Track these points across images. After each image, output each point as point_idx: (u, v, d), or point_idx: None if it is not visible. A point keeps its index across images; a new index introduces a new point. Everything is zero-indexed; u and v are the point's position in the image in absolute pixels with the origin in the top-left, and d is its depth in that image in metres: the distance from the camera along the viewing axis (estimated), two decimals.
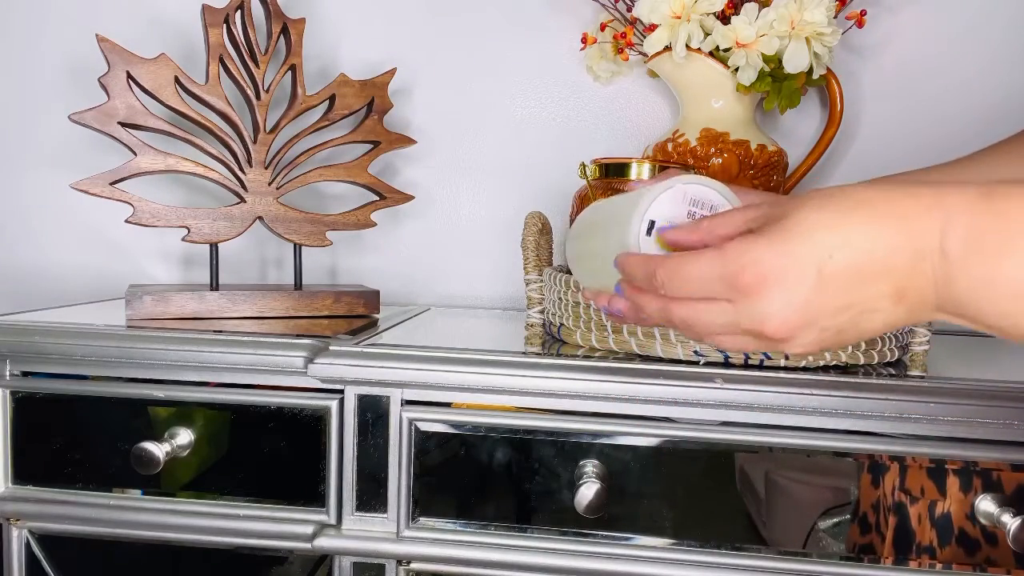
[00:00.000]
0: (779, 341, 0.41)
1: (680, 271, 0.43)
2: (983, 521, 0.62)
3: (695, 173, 0.76)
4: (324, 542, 0.68)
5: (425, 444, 0.68)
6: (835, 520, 0.64)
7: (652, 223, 0.47)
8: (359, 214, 0.92)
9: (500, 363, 0.66)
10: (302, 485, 0.70)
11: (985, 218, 0.35)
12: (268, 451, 0.71)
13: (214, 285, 0.87)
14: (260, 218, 0.88)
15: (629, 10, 0.88)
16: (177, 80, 0.85)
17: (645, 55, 0.87)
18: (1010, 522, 0.59)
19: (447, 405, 0.68)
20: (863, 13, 0.87)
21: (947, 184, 0.38)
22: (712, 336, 0.44)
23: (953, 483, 0.63)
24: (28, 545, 0.73)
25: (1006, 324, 0.36)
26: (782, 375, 0.63)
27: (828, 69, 0.86)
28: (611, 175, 0.75)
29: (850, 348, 0.66)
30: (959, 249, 0.36)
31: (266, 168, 0.89)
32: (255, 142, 0.88)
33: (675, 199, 0.48)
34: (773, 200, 0.43)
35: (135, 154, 0.84)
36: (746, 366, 0.65)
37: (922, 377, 0.65)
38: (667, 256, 0.44)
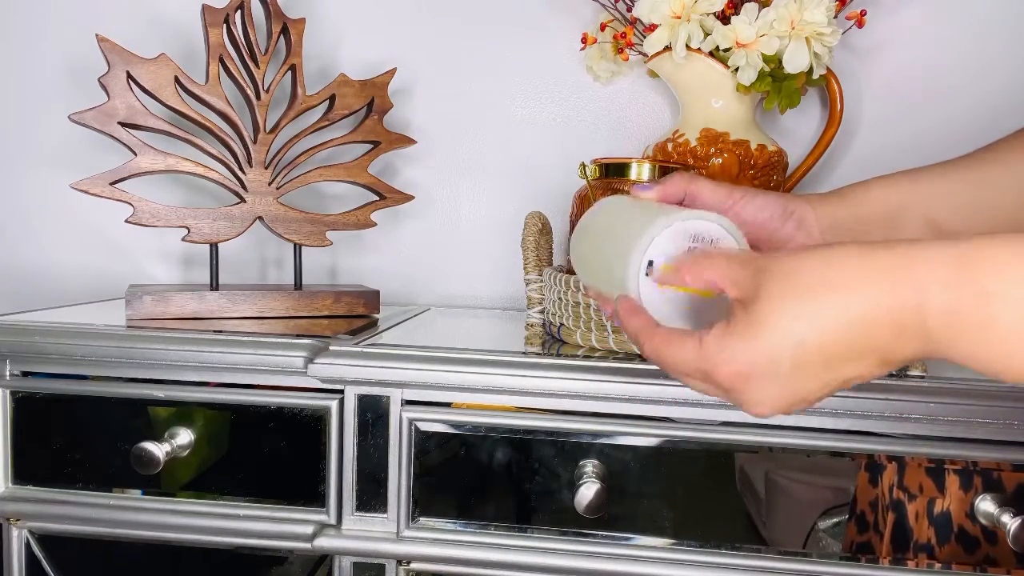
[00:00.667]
0: (763, 416, 0.43)
1: (663, 354, 0.45)
2: (983, 521, 0.62)
3: (696, 173, 0.76)
4: (324, 542, 0.68)
5: (425, 444, 0.68)
6: (835, 520, 0.64)
7: (651, 262, 0.48)
8: (359, 214, 0.92)
9: (500, 363, 0.66)
10: (302, 485, 0.70)
11: (964, 294, 0.35)
12: (268, 451, 0.71)
13: (214, 285, 0.87)
14: (260, 218, 0.88)
15: (629, 10, 0.88)
16: (177, 80, 0.85)
17: (645, 55, 0.87)
18: (1010, 522, 0.59)
19: (447, 405, 0.68)
20: (863, 13, 0.87)
21: (915, 251, 0.37)
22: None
23: (953, 483, 0.63)
24: (28, 545, 0.73)
25: (996, 376, 0.37)
26: None
27: (828, 69, 0.86)
28: (611, 175, 0.75)
29: None
30: (942, 329, 0.36)
31: (266, 168, 0.89)
32: (255, 142, 0.88)
33: (676, 236, 0.48)
34: (757, 261, 0.43)
35: (135, 154, 0.84)
36: None
37: (922, 377, 0.65)
38: (654, 333, 0.46)
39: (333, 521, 0.69)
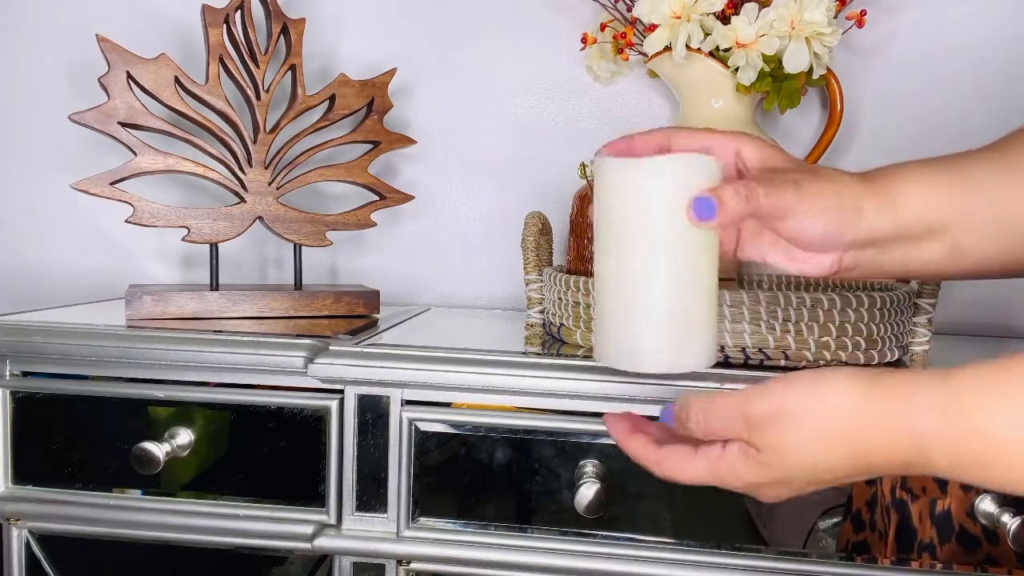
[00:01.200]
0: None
1: (677, 475, 0.46)
2: (983, 521, 0.62)
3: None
4: (324, 542, 0.68)
5: (425, 444, 0.68)
6: (835, 520, 0.64)
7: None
8: (359, 214, 0.92)
9: (500, 363, 0.66)
10: (302, 485, 0.70)
11: (962, 441, 0.38)
12: (268, 451, 0.71)
13: (214, 285, 0.87)
14: (260, 218, 0.88)
15: (629, 10, 0.88)
16: (177, 80, 0.85)
17: (645, 55, 0.87)
18: (1010, 522, 0.59)
19: (447, 405, 0.68)
20: (863, 13, 0.87)
21: (909, 395, 0.40)
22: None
23: (954, 482, 0.62)
24: (28, 545, 0.73)
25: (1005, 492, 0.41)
26: (782, 375, 0.63)
27: (828, 69, 0.86)
28: None
29: (849, 348, 0.66)
30: (946, 466, 0.40)
31: (266, 168, 0.89)
32: (255, 142, 0.88)
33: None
34: (746, 410, 0.44)
35: (135, 154, 0.84)
36: (746, 366, 0.65)
37: None
38: (660, 458, 0.47)
39: (333, 521, 0.69)
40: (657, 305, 0.47)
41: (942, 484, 0.62)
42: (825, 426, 0.41)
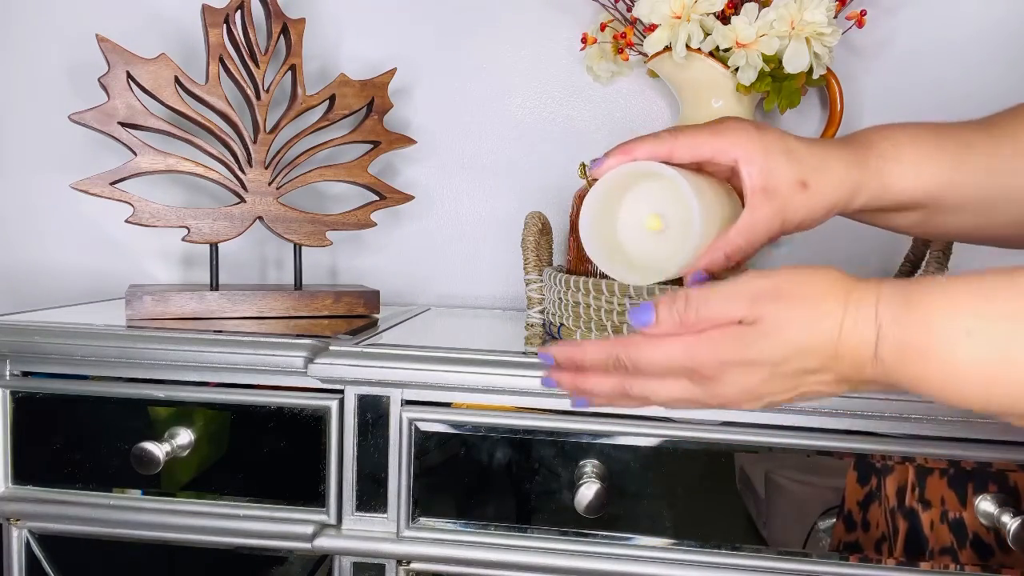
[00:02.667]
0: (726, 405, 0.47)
1: (640, 356, 0.46)
2: (983, 521, 0.62)
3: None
4: (324, 542, 0.68)
5: (425, 444, 0.68)
6: (835, 520, 0.64)
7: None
8: (359, 214, 0.92)
9: (500, 363, 0.66)
10: (302, 485, 0.70)
11: (909, 331, 0.41)
12: (268, 451, 0.71)
13: (214, 285, 0.87)
14: (260, 218, 0.88)
15: (629, 10, 0.88)
16: (177, 80, 0.85)
17: (645, 55, 0.87)
18: (1010, 522, 0.59)
19: (447, 405, 0.68)
20: (863, 13, 0.87)
21: (878, 289, 0.43)
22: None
23: (953, 483, 0.63)
24: (28, 545, 0.73)
25: (939, 400, 0.42)
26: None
27: (828, 69, 0.86)
28: None
29: None
30: (889, 357, 0.42)
31: (266, 168, 0.89)
32: (255, 142, 0.88)
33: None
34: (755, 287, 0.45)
35: (135, 154, 0.84)
36: None
37: None
38: (628, 341, 0.46)
39: (333, 521, 0.69)
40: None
41: (941, 486, 0.62)
42: (815, 302, 0.43)
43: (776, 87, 0.83)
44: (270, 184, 0.89)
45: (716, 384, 0.45)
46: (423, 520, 0.68)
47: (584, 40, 0.96)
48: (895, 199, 0.54)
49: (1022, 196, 0.54)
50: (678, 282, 0.54)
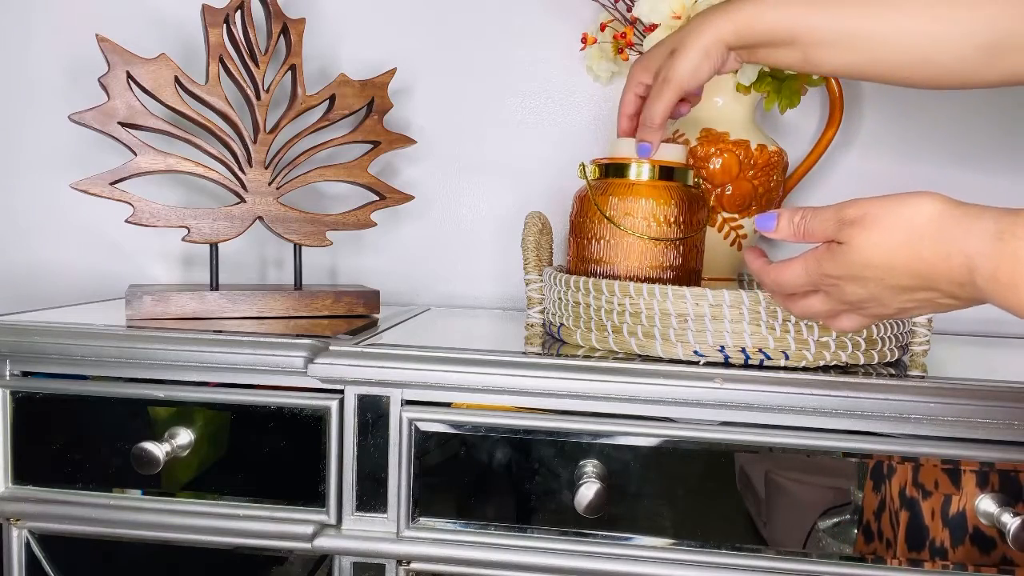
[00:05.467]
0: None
1: (778, 274, 0.56)
2: (983, 521, 0.62)
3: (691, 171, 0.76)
4: (324, 542, 0.68)
5: (425, 444, 0.68)
6: (835, 520, 0.64)
7: None
8: (359, 214, 0.92)
9: (500, 363, 0.66)
10: (302, 485, 0.70)
11: (1000, 263, 0.46)
12: (268, 451, 0.71)
13: (214, 285, 0.87)
14: (260, 218, 0.88)
15: (629, 10, 0.88)
16: (177, 80, 0.85)
17: None
18: (1010, 522, 0.59)
19: (447, 405, 0.68)
20: None
21: (969, 224, 0.47)
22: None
23: (954, 483, 0.63)
24: (28, 545, 0.73)
25: None
26: (782, 375, 0.63)
27: None
28: (611, 175, 0.75)
29: (850, 348, 0.66)
30: (983, 283, 0.47)
31: (266, 168, 0.89)
32: (255, 142, 0.88)
33: None
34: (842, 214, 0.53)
35: (135, 154, 0.84)
36: (746, 366, 0.65)
37: (922, 377, 0.65)
38: (773, 266, 0.57)
39: (333, 521, 0.69)
40: None
41: (941, 485, 0.63)
42: (896, 233, 0.49)
43: (776, 87, 0.83)
44: (270, 184, 0.89)
45: (841, 293, 0.53)
46: (423, 520, 0.68)
47: (584, 40, 0.96)
48: (764, 35, 0.65)
49: (888, 38, 0.62)
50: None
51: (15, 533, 0.73)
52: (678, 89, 0.67)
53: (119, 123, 0.83)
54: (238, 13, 0.87)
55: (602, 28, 0.95)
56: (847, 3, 0.63)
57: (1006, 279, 0.45)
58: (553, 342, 0.75)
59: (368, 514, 0.68)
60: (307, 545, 0.68)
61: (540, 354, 0.68)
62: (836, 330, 0.59)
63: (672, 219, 0.73)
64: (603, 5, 0.93)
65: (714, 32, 0.65)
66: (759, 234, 0.60)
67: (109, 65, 0.82)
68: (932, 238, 0.48)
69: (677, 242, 0.73)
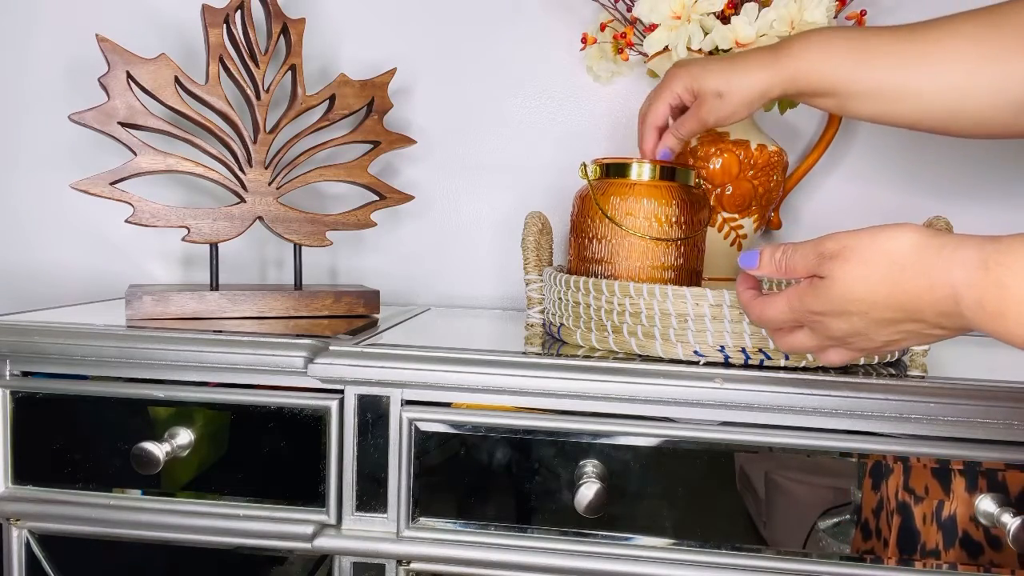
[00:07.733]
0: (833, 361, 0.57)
1: (762, 311, 0.57)
2: (983, 521, 0.62)
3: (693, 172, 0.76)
4: (324, 542, 0.68)
5: (425, 444, 0.68)
6: (835, 520, 0.64)
7: None
8: (359, 214, 0.92)
9: (500, 363, 0.66)
10: (302, 485, 0.70)
11: (985, 292, 0.45)
12: (268, 451, 0.71)
13: (214, 285, 0.87)
14: (260, 218, 0.88)
15: (629, 10, 0.88)
16: (177, 80, 0.85)
17: (645, 55, 0.87)
18: (1010, 522, 0.59)
19: (447, 405, 0.68)
20: (863, 13, 0.87)
21: (951, 255, 0.47)
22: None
23: (953, 483, 0.63)
24: (28, 545, 0.73)
25: (1015, 345, 0.47)
26: (782, 375, 0.63)
27: None
28: (611, 175, 0.75)
29: None
30: (971, 314, 0.47)
31: (266, 168, 0.89)
32: (255, 142, 0.88)
33: None
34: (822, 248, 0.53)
35: (135, 154, 0.84)
36: (746, 366, 0.65)
37: (922, 377, 0.65)
38: (759, 300, 0.57)
39: (333, 521, 0.69)
40: None
41: (941, 486, 0.63)
42: (876, 265, 0.49)
43: None
44: (270, 184, 0.89)
45: (825, 328, 0.53)
46: (423, 520, 0.68)
47: (584, 40, 0.96)
48: (807, 87, 0.69)
49: (923, 92, 0.65)
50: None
51: (15, 533, 0.73)
52: (715, 126, 0.73)
53: (119, 123, 0.83)
54: (238, 13, 0.87)
55: (602, 28, 0.95)
56: (886, 55, 0.66)
57: (992, 308, 0.45)
58: (553, 342, 0.75)
59: (368, 514, 0.68)
60: (307, 545, 0.68)
61: (540, 354, 0.68)
62: (825, 364, 0.59)
63: (673, 219, 0.73)
64: (603, 5, 0.93)
65: (762, 89, 0.69)
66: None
67: (109, 65, 0.82)
68: (913, 269, 0.48)
69: (678, 242, 0.73)
